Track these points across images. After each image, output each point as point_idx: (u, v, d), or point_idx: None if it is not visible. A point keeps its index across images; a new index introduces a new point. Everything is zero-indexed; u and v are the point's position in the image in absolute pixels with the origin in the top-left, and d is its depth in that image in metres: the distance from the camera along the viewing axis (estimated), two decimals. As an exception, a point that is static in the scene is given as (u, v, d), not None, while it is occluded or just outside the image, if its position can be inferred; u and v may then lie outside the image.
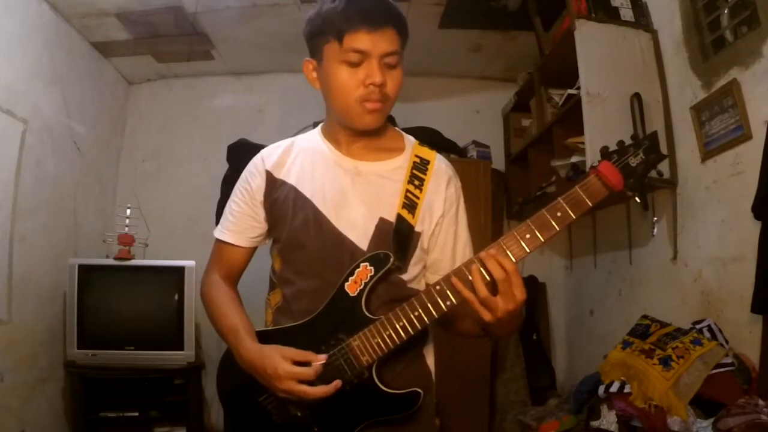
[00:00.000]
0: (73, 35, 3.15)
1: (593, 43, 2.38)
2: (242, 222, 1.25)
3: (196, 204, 3.41)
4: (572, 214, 1.00)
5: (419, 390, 1.10)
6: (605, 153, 1.03)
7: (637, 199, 1.03)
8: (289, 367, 1.05)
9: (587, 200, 1.01)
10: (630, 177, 1.02)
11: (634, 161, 1.02)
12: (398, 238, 1.15)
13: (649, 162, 1.03)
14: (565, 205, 1.01)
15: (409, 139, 1.28)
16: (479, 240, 1.21)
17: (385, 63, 1.10)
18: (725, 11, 2.06)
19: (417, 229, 1.17)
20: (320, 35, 1.12)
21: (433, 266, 1.24)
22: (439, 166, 1.24)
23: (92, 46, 3.33)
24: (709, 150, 2.09)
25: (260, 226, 1.25)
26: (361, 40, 1.08)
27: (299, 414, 1.12)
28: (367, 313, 1.10)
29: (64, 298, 2.91)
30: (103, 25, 3.12)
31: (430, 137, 3.13)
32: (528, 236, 1.01)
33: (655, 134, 1.06)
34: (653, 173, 1.06)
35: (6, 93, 2.57)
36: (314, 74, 1.18)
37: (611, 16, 2.41)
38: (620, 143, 1.04)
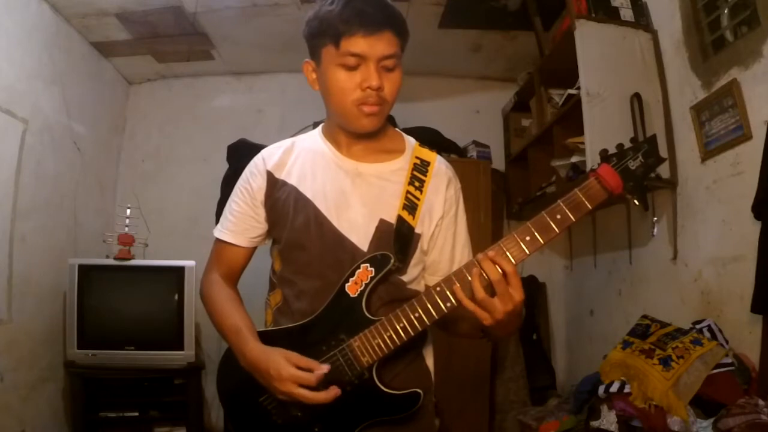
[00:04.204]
0: (73, 35, 3.15)
1: (593, 43, 2.38)
2: (242, 222, 1.25)
3: (196, 204, 3.42)
4: (572, 217, 1.01)
5: (419, 390, 1.10)
6: (604, 156, 1.03)
7: (636, 201, 1.04)
8: (292, 371, 1.05)
9: (587, 203, 1.01)
10: (629, 180, 1.02)
11: (633, 164, 1.02)
12: (399, 240, 1.15)
13: (648, 165, 1.03)
14: (564, 207, 1.01)
15: (410, 141, 1.28)
16: (479, 240, 1.21)
17: (382, 66, 1.10)
18: (725, 11, 2.06)
19: (417, 230, 1.18)
20: (318, 38, 1.12)
21: (431, 267, 1.24)
22: (439, 167, 1.24)
23: (92, 46, 3.33)
24: (709, 150, 2.09)
25: (260, 226, 1.25)
26: (358, 44, 1.07)
27: (299, 414, 1.12)
28: (367, 314, 1.10)
29: (64, 298, 2.91)
30: (103, 25, 3.12)
31: (430, 137, 3.13)
32: (528, 238, 1.01)
33: (654, 138, 1.07)
34: (652, 176, 1.07)
35: (6, 93, 2.57)
36: (314, 75, 1.18)
37: (611, 16, 2.41)
38: (619, 146, 1.04)
